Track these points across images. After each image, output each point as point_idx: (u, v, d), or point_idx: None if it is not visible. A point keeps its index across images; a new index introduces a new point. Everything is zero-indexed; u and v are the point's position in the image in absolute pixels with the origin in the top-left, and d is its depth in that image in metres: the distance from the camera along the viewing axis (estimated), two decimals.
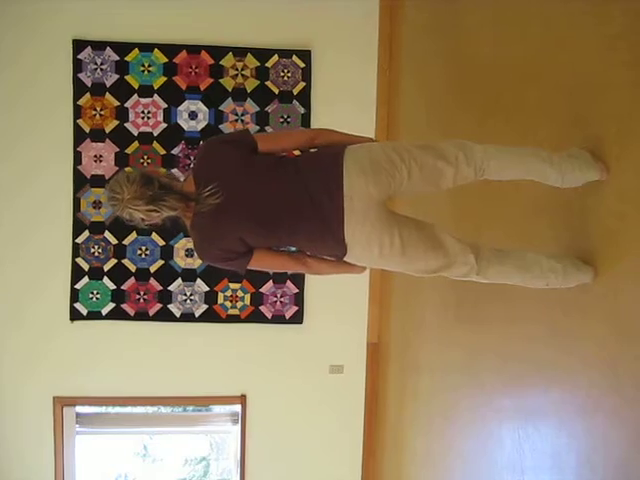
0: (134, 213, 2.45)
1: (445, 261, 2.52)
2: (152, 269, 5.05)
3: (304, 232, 2.52)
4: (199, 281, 5.08)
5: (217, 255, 2.60)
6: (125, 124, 4.94)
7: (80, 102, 4.88)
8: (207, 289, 5.09)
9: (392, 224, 2.48)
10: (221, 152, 2.62)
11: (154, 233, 4.99)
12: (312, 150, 2.68)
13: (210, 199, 2.49)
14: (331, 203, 2.45)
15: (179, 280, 5.08)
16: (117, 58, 4.89)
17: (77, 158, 4.91)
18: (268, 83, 5.05)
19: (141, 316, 5.06)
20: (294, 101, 5.07)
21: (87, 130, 4.90)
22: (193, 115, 4.99)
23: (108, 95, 4.91)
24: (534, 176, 2.59)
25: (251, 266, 2.60)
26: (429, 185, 2.60)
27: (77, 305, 4.99)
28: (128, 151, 4.93)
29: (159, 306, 5.08)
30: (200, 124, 4.99)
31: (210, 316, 5.12)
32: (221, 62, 4.99)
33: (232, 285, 5.11)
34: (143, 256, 5.03)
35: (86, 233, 4.95)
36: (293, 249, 2.71)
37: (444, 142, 2.61)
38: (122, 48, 4.90)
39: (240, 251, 2.56)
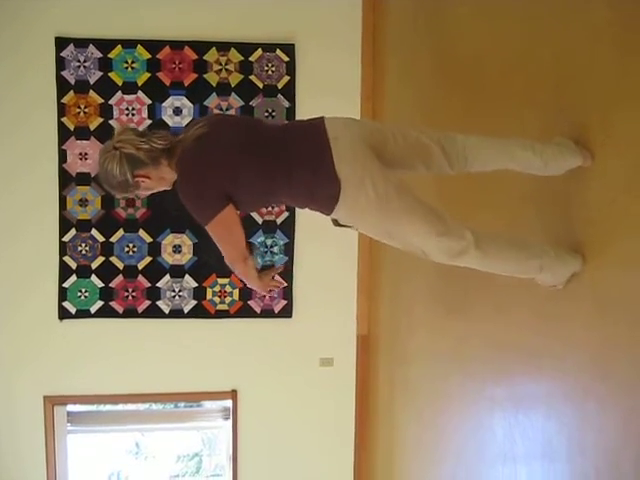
0: (124, 147, 2.48)
1: (440, 227, 2.48)
2: (140, 266, 5.04)
3: (297, 173, 2.50)
4: (187, 277, 5.08)
5: (195, 187, 2.51)
6: (110, 121, 4.92)
7: (64, 100, 4.86)
8: (195, 285, 5.08)
9: (385, 170, 2.49)
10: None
11: (141, 229, 4.98)
12: None
13: (197, 127, 2.55)
14: (318, 147, 2.49)
15: (167, 276, 5.07)
16: (100, 55, 4.87)
17: (62, 156, 4.89)
18: (252, 77, 5.04)
19: (130, 313, 5.06)
20: (279, 95, 5.07)
21: (71, 128, 4.88)
22: (178, 111, 4.98)
23: (92, 92, 4.89)
24: (517, 163, 2.61)
25: (215, 223, 2.49)
26: (418, 159, 2.62)
27: (65, 304, 4.98)
28: None
29: (148, 303, 5.07)
30: (185, 120, 4.97)
31: (199, 312, 5.12)
32: (205, 57, 4.98)
33: (220, 280, 5.11)
34: (131, 253, 5.02)
35: (73, 231, 4.93)
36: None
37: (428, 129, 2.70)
38: (105, 45, 4.88)
39: (219, 191, 2.48)
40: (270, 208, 4.98)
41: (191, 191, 2.52)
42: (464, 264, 2.57)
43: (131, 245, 5.02)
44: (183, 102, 4.98)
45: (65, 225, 4.93)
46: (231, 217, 2.52)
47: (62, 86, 4.86)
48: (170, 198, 2.75)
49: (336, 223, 2.60)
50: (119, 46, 4.89)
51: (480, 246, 2.49)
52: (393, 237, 2.56)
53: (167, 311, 5.09)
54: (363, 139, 2.52)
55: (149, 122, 4.94)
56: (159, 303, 5.08)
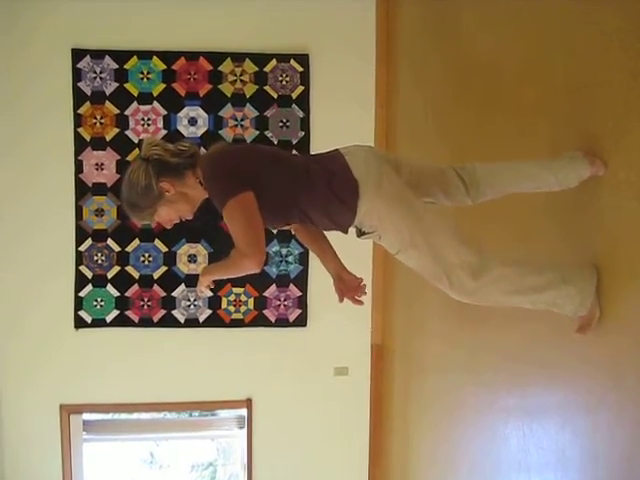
0: (153, 149, 2.54)
1: (462, 235, 2.49)
2: (155, 275, 5.06)
3: (317, 176, 2.52)
4: None
5: (220, 166, 2.51)
6: (125, 132, 4.96)
7: (80, 111, 4.90)
8: (210, 294, 5.09)
9: (403, 181, 2.53)
10: None
11: (157, 239, 5.01)
12: None
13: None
14: (333, 158, 2.57)
15: (182, 286, 5.09)
16: (116, 66, 4.91)
17: (78, 166, 4.93)
18: (267, 88, 5.06)
19: (145, 322, 5.08)
20: (293, 105, 5.09)
21: (88, 139, 4.92)
22: (193, 121, 5.01)
23: (108, 103, 4.93)
24: (529, 183, 2.64)
25: (236, 201, 2.39)
26: (435, 185, 2.66)
27: (81, 313, 5.01)
28: (129, 158, 4.94)
29: (163, 312, 5.09)
30: (200, 130, 5.01)
31: (214, 321, 5.13)
32: (219, 68, 5.01)
33: (235, 289, 5.12)
34: (146, 263, 5.05)
35: (89, 241, 4.97)
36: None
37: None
38: (121, 56, 4.92)
39: (243, 176, 2.45)
40: None
41: (215, 171, 2.50)
42: (489, 290, 2.49)
43: (147, 255, 5.05)
44: (198, 112, 5.01)
45: (81, 235, 4.97)
46: (252, 202, 2.41)
47: (78, 97, 4.90)
48: None
49: (359, 233, 2.59)
50: (135, 57, 4.93)
51: (497, 259, 2.49)
52: (415, 243, 2.47)
53: (182, 320, 5.11)
54: (377, 156, 2.59)
55: (164, 132, 4.97)
56: (174, 312, 5.10)
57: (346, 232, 2.62)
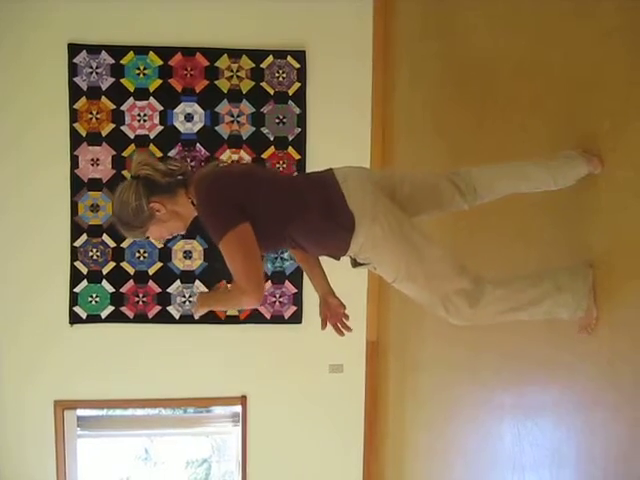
0: (143, 168, 2.49)
1: (460, 264, 2.49)
2: (151, 271, 5.05)
3: (312, 206, 2.47)
4: (198, 283, 5.09)
5: (215, 197, 2.43)
6: (121, 127, 4.95)
7: (76, 106, 4.89)
8: (206, 290, 5.08)
9: (398, 209, 2.49)
10: None
11: None
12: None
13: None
14: (328, 187, 2.49)
15: (178, 282, 5.08)
16: (112, 61, 4.90)
17: (74, 162, 4.92)
18: (263, 84, 5.05)
19: (140, 318, 5.07)
20: (289, 101, 5.08)
21: (83, 134, 4.91)
22: (189, 117, 5.00)
23: (104, 98, 4.91)
24: (526, 182, 2.63)
25: (233, 235, 2.34)
26: (429, 202, 2.66)
27: (76, 309, 5.00)
28: (125, 154, 4.93)
29: (158, 308, 5.08)
30: (196, 126, 5.00)
31: (209, 317, 5.10)
32: (216, 64, 4.99)
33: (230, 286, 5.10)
34: (141, 259, 5.03)
35: (84, 237, 4.96)
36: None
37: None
38: (117, 51, 4.90)
39: (239, 203, 2.40)
40: None
41: (211, 201, 2.44)
42: (486, 313, 2.51)
43: (142, 251, 5.03)
44: (194, 108, 5.00)
45: (76, 230, 4.95)
46: (250, 235, 2.37)
47: (74, 92, 4.88)
48: None
49: (354, 263, 2.58)
50: (131, 52, 4.91)
51: (492, 282, 2.50)
52: (411, 275, 2.48)
53: (177, 316, 5.10)
54: (372, 181, 2.54)
55: (161, 128, 4.96)
56: (169, 308, 5.09)
57: (338, 259, 2.62)
